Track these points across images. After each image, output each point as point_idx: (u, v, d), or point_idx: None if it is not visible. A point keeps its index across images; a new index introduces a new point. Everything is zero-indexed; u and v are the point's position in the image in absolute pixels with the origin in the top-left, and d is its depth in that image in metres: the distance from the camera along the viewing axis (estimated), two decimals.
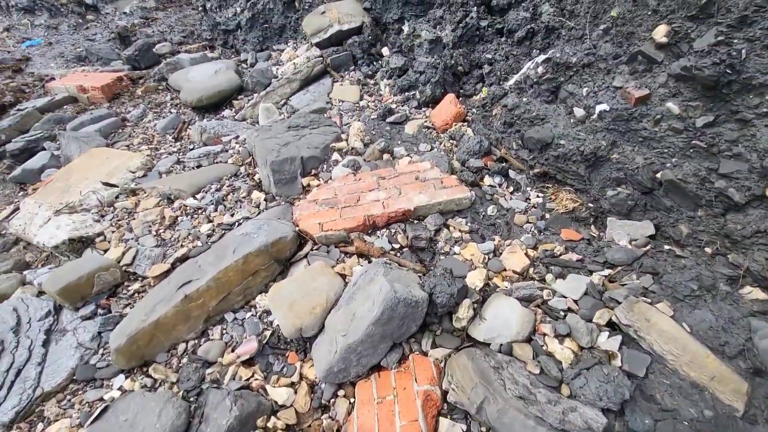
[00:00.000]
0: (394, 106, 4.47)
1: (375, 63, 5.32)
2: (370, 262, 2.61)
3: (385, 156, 3.37)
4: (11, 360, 2.31)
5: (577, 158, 2.78)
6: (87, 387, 2.27)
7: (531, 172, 3.15)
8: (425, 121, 4.12)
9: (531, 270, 2.47)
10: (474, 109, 4.11)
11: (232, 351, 2.31)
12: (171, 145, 4.43)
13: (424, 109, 4.39)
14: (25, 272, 3.11)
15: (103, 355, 2.43)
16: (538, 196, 3.05)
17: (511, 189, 3.14)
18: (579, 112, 2.87)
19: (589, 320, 2.11)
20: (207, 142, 4.17)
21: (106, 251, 3.01)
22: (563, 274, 2.40)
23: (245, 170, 3.61)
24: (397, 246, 2.68)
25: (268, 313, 2.50)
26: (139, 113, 5.17)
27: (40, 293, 2.81)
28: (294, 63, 5.16)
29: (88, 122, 4.99)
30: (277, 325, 2.41)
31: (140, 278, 2.80)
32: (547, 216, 2.87)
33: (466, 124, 3.93)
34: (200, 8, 7.68)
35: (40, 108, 5.44)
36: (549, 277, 2.41)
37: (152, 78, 6.03)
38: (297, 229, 2.75)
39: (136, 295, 2.71)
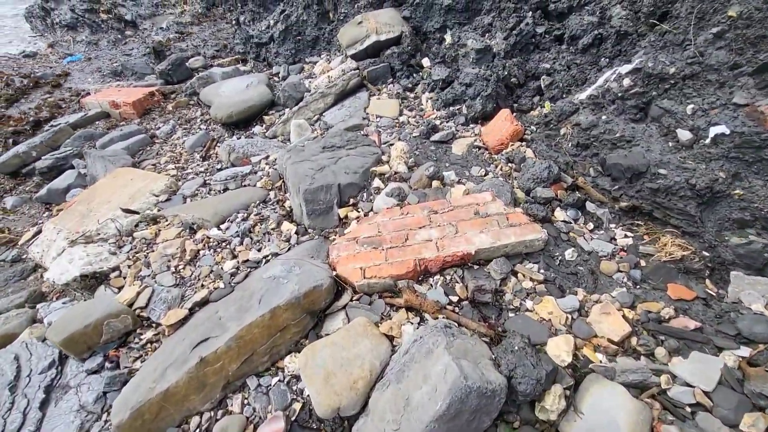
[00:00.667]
0: (438, 122, 4.01)
1: (415, 75, 4.89)
2: (422, 318, 2.13)
3: (435, 183, 2.90)
4: (1, 426, 1.97)
5: (685, 193, 2.21)
6: None
7: (616, 205, 2.59)
8: (475, 140, 3.63)
9: (634, 340, 1.92)
10: (533, 127, 3.58)
11: (254, 430, 1.88)
12: (198, 165, 4.14)
13: (472, 125, 3.90)
14: (38, 306, 2.83)
15: (106, 422, 2.06)
16: (626, 236, 2.48)
17: (590, 226, 2.59)
18: (684, 134, 2.30)
19: (734, 426, 1.54)
20: (235, 163, 3.84)
21: (120, 288, 2.68)
22: (680, 350, 1.83)
23: (275, 196, 3.23)
24: (454, 298, 2.19)
25: (297, 378, 2.06)
26: (169, 129, 4.96)
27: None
28: (328, 76, 4.82)
29: (118, 138, 4.82)
30: (308, 395, 1.96)
31: (154, 324, 2.43)
32: (643, 263, 2.30)
33: (524, 144, 3.42)
34: (234, 22, 7.56)
35: (72, 124, 5.34)
36: (660, 351, 1.85)
37: (184, 93, 5.86)
38: (334, 273, 2.31)
39: (149, 345, 2.35)
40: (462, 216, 2.47)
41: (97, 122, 5.53)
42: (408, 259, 2.27)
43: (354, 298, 2.26)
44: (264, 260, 2.64)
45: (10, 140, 5.20)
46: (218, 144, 4.43)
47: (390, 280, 2.23)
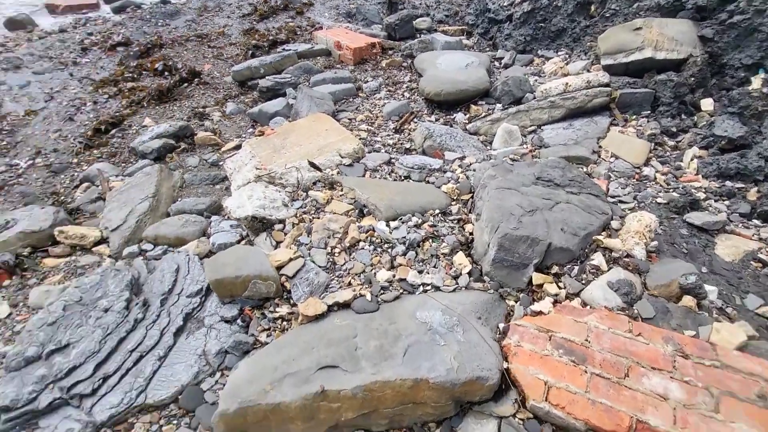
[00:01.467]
0: (702, 195, 2.86)
1: (685, 117, 3.63)
2: None
3: (687, 299, 1.96)
4: (141, 338, 2.04)
5: None
6: (180, 422, 1.83)
7: None
8: (760, 250, 2.42)
9: None
10: None
11: None
12: (389, 135, 3.88)
13: (759, 223, 2.64)
14: (212, 219, 2.98)
15: (217, 382, 1.98)
16: None
17: None
18: None
19: None
20: (427, 151, 3.43)
21: (278, 244, 2.60)
22: None
23: (458, 210, 2.71)
24: None
25: None
26: (375, 87, 4.83)
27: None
28: (566, 83, 3.92)
29: (329, 80, 4.91)
30: None
31: (292, 302, 2.26)
32: None
33: None
34: None
35: (299, 53, 5.69)
36: None
37: (401, 52, 5.68)
38: (505, 366, 1.71)
39: (280, 321, 2.19)
40: (732, 386, 1.55)
41: (318, 57, 5.79)
42: (621, 410, 1.51)
43: (518, 415, 1.64)
44: (422, 288, 2.20)
45: (250, 52, 5.83)
46: (415, 119, 4.09)
47: (582, 425, 1.52)
